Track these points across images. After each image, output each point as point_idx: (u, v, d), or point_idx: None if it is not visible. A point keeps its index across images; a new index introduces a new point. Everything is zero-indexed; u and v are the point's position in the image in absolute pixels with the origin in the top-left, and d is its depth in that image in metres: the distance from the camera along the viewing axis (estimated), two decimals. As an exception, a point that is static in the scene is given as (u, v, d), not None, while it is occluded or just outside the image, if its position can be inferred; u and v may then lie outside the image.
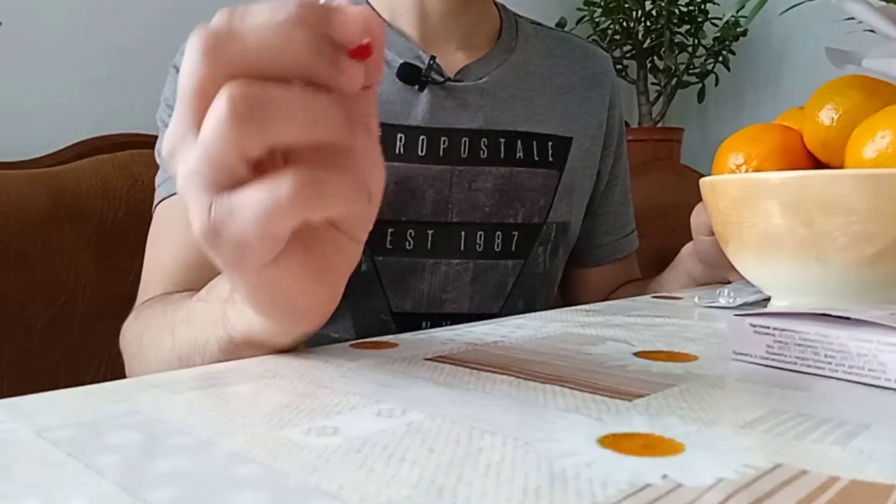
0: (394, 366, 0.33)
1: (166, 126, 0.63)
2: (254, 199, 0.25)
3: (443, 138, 0.66)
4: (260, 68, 0.25)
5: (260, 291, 0.31)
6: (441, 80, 0.66)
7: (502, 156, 0.68)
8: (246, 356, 0.36)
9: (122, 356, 0.56)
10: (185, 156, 0.26)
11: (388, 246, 0.65)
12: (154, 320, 0.52)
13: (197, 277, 0.55)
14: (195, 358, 0.41)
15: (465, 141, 0.67)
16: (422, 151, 0.65)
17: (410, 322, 0.66)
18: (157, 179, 0.64)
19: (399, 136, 0.65)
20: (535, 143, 0.70)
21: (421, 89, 0.66)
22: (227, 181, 0.26)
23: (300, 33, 0.25)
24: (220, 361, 0.37)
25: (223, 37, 0.25)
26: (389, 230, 0.65)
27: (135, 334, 0.54)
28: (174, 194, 0.60)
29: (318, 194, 0.25)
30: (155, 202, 0.63)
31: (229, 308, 0.38)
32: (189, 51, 0.25)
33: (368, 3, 0.69)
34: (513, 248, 0.69)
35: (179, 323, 0.46)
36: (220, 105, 0.24)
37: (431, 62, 0.66)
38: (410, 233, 0.65)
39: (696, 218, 0.65)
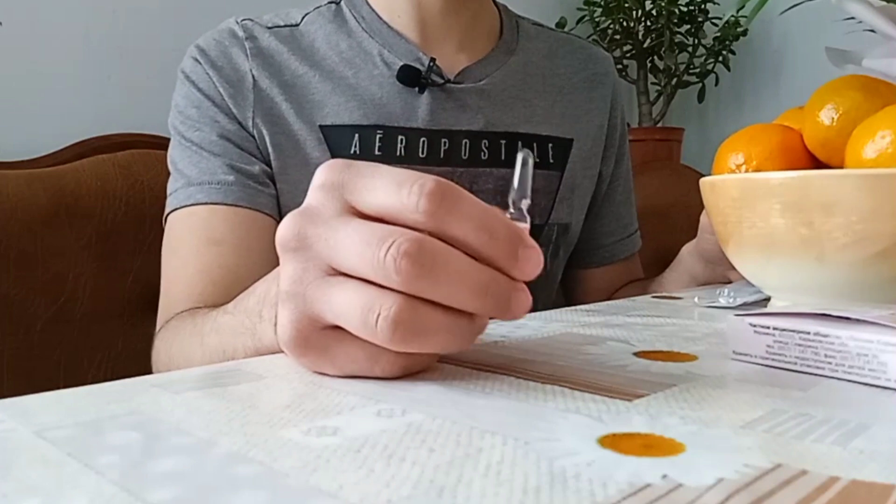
0: (394, 366, 0.32)
1: (178, 132, 0.64)
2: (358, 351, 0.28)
3: (443, 140, 0.66)
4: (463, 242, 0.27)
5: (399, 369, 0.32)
6: (441, 81, 0.66)
7: (503, 157, 0.68)
8: None
9: (154, 369, 0.57)
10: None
11: None
12: (183, 332, 0.53)
13: (225, 293, 0.56)
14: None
15: (466, 143, 0.67)
16: (423, 153, 0.65)
17: None
18: (170, 187, 0.64)
19: (400, 137, 0.65)
20: (535, 144, 0.70)
21: (421, 91, 0.66)
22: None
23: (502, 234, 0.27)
24: None
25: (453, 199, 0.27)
26: None
27: (165, 346, 0.56)
28: (187, 205, 0.61)
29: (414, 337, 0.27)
30: (167, 210, 0.63)
31: (258, 323, 0.39)
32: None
33: (368, 3, 0.69)
34: None
35: (208, 332, 0.47)
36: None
37: (431, 64, 0.66)
38: None
39: (706, 217, 0.65)
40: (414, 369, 0.30)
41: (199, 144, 0.62)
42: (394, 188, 0.27)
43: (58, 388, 0.28)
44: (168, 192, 0.64)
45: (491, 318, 0.29)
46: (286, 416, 0.25)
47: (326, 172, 0.29)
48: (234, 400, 0.27)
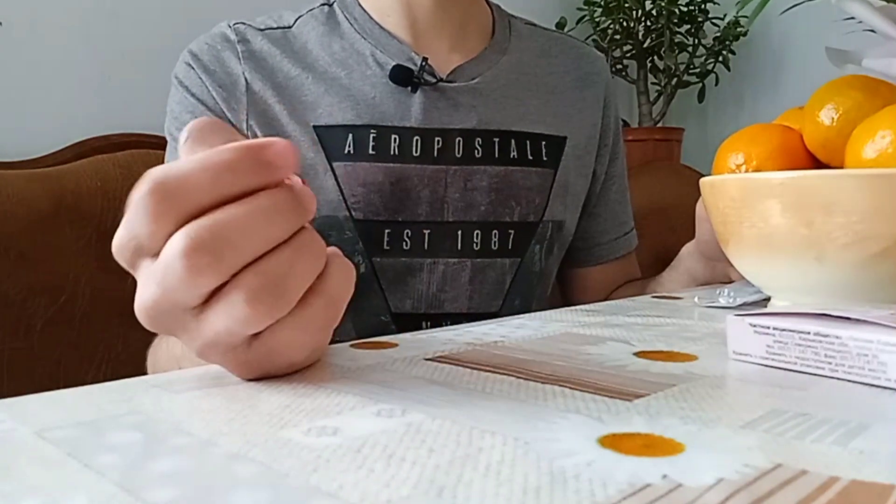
0: (394, 366, 0.33)
1: (173, 138, 0.64)
2: (217, 325, 0.27)
3: (437, 138, 0.66)
4: (203, 204, 0.26)
5: (248, 370, 0.30)
6: (433, 81, 0.67)
7: (496, 155, 0.68)
8: None
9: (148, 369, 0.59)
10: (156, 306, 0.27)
11: (386, 247, 0.65)
12: (160, 355, 0.55)
13: None
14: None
15: (460, 141, 0.67)
16: (416, 152, 0.66)
17: (410, 323, 0.67)
18: None
19: (393, 137, 0.65)
20: (528, 142, 0.70)
21: (414, 91, 0.66)
22: (194, 309, 0.27)
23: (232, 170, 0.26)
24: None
25: (169, 189, 0.26)
26: (386, 231, 0.65)
27: (150, 366, 0.58)
28: None
29: (274, 301, 0.26)
30: None
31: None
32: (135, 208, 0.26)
33: (360, 4, 0.70)
34: (509, 247, 0.69)
35: (182, 357, 0.48)
36: (171, 256, 0.25)
37: (423, 64, 0.66)
38: (407, 233, 0.65)
39: (701, 208, 0.65)
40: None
41: None
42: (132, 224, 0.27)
43: (58, 388, 0.28)
44: None
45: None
46: (286, 416, 0.25)
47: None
48: (234, 400, 0.27)
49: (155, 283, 0.26)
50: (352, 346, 0.37)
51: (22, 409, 0.25)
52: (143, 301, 0.27)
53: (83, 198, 0.81)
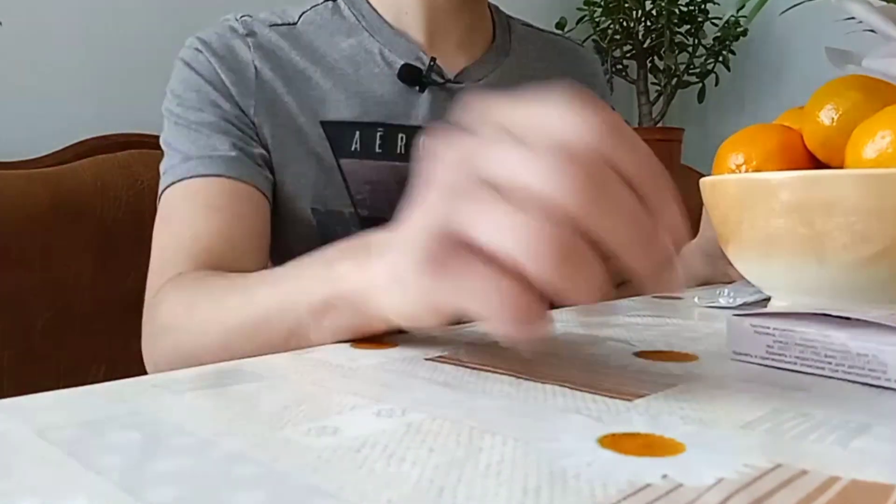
0: (394, 366, 0.33)
1: (174, 115, 0.63)
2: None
3: None
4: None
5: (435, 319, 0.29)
6: (441, 81, 0.67)
7: None
8: (338, 322, 0.35)
9: (149, 338, 0.52)
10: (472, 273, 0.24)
11: None
12: (208, 286, 0.49)
13: (218, 261, 0.54)
14: (273, 321, 0.39)
15: None
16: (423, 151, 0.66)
17: None
18: (163, 166, 0.63)
19: (400, 135, 0.65)
20: None
21: (421, 90, 0.66)
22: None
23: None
24: (300, 327, 0.36)
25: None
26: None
27: (182, 298, 0.50)
28: (185, 178, 0.59)
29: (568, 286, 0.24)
30: (161, 187, 0.62)
31: (333, 266, 0.36)
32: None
33: (368, 2, 0.69)
34: None
35: (254, 285, 0.44)
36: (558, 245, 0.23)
37: (432, 64, 0.66)
38: None
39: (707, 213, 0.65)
40: (526, 320, 0.25)
41: (199, 123, 0.62)
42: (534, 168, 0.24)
43: (58, 388, 0.28)
44: (162, 171, 0.62)
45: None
46: (286, 416, 0.25)
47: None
48: (234, 400, 0.27)
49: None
50: (352, 346, 0.37)
51: (22, 409, 0.25)
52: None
53: (83, 198, 0.81)
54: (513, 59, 0.73)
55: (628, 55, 2.13)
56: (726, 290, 0.53)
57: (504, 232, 0.23)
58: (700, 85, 2.14)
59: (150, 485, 0.18)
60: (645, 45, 2.10)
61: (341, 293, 0.35)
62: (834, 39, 0.61)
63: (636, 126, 2.16)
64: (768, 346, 0.32)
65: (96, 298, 0.80)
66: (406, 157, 0.65)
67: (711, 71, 2.12)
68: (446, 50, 0.69)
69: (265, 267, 0.60)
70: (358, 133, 0.64)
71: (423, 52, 0.68)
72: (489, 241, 0.24)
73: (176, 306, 0.50)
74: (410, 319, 0.31)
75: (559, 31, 0.86)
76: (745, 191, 0.43)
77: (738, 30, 2.04)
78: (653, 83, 2.16)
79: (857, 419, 0.24)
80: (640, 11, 2.06)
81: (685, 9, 2.05)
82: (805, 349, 0.31)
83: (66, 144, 0.99)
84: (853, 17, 0.52)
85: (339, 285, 0.35)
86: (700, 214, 0.67)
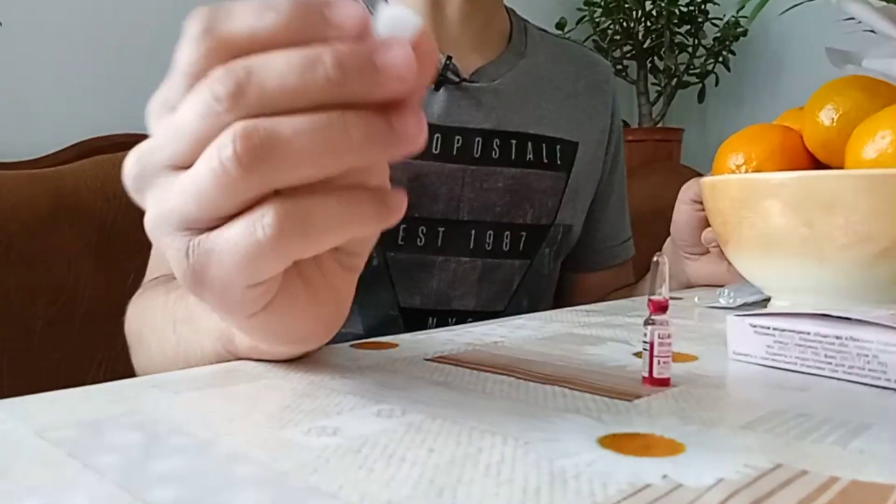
0: (394, 366, 0.33)
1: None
2: (232, 242, 0.22)
3: (457, 137, 0.67)
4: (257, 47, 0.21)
5: (256, 331, 0.28)
6: (457, 80, 0.67)
7: (513, 157, 0.69)
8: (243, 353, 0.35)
9: (126, 337, 0.53)
10: (162, 186, 0.23)
11: (400, 242, 0.65)
12: (155, 309, 0.48)
13: None
14: (196, 362, 0.40)
15: (479, 140, 0.67)
16: (436, 149, 0.66)
17: (417, 318, 0.67)
18: None
19: None
20: (544, 145, 0.71)
21: (437, 88, 0.66)
22: (209, 222, 0.22)
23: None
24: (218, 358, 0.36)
25: (221, 16, 0.21)
26: (402, 226, 0.65)
27: (136, 317, 0.51)
28: None
29: (301, 232, 0.22)
30: None
31: (228, 329, 0.35)
32: (188, 29, 0.21)
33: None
34: (520, 249, 0.70)
35: (181, 321, 0.44)
36: (224, 147, 0.20)
37: (448, 62, 0.66)
38: (422, 230, 0.66)
39: (685, 192, 0.65)
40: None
41: None
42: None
43: (58, 388, 0.28)
44: None
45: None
46: (286, 416, 0.25)
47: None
48: (234, 400, 0.27)
49: (191, 179, 0.21)
50: (352, 346, 0.37)
51: (22, 409, 0.25)
52: (165, 205, 0.22)
53: (83, 198, 0.81)
54: (528, 61, 0.74)
55: (628, 55, 2.13)
56: (726, 290, 0.53)
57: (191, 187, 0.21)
58: (700, 85, 2.15)
59: (149, 485, 0.18)
60: (645, 46, 2.10)
61: (243, 353, 0.34)
62: (834, 39, 0.61)
63: (636, 126, 2.16)
64: (768, 346, 0.32)
65: (96, 298, 0.80)
66: (419, 154, 0.65)
67: (711, 71, 2.12)
68: (461, 49, 0.69)
69: None
70: None
71: (439, 50, 0.68)
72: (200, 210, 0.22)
73: (130, 323, 0.51)
74: (281, 348, 0.31)
75: (575, 40, 0.86)
76: (745, 191, 0.43)
77: (738, 30, 2.04)
78: (653, 83, 2.16)
79: (857, 419, 0.24)
80: (639, 12, 2.06)
81: (685, 9, 2.05)
82: (805, 349, 0.31)
83: (67, 145, 0.99)
84: (853, 17, 0.52)
85: (237, 348, 0.34)
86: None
